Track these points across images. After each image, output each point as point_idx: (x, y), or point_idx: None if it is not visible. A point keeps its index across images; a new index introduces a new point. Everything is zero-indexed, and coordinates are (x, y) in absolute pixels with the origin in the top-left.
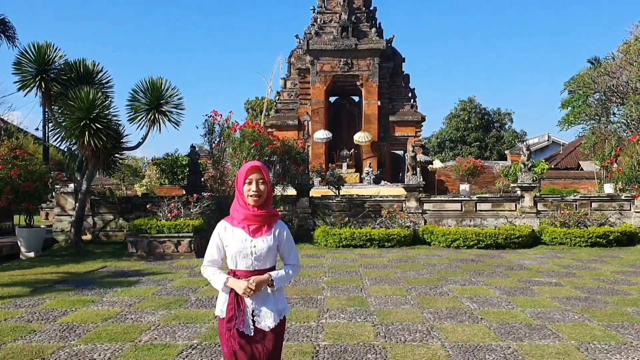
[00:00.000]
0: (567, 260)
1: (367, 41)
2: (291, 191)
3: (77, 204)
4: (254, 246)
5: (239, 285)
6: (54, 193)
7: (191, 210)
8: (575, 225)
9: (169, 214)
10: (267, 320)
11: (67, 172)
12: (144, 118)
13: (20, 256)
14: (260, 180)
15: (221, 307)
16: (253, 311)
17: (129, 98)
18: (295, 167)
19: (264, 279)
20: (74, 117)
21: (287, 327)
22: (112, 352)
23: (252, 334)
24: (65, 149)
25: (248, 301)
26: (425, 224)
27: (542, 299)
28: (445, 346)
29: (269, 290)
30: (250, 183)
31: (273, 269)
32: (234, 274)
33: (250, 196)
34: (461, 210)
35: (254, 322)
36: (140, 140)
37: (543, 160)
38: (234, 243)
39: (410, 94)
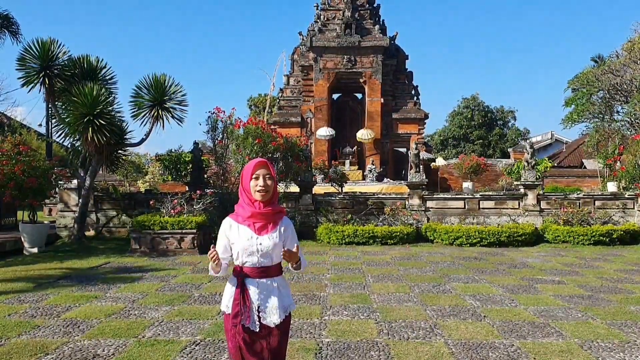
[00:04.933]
0: (570, 258)
1: (370, 38)
2: (294, 188)
3: (80, 200)
4: (260, 244)
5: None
6: (57, 189)
7: (194, 207)
8: (579, 223)
9: (172, 211)
10: (272, 316)
11: (71, 168)
12: (147, 114)
13: (24, 252)
14: (267, 176)
15: (227, 303)
16: (259, 307)
17: (133, 94)
18: (298, 164)
19: (295, 252)
20: (77, 113)
21: (291, 323)
22: (115, 347)
23: (257, 330)
24: (69, 145)
25: (254, 297)
26: (428, 222)
27: (545, 297)
28: (449, 344)
29: (292, 268)
30: (257, 178)
31: (279, 265)
32: (240, 270)
33: (258, 191)
34: (464, 208)
35: (259, 318)
36: (144, 137)
37: (546, 159)
38: (239, 241)
39: (413, 92)
